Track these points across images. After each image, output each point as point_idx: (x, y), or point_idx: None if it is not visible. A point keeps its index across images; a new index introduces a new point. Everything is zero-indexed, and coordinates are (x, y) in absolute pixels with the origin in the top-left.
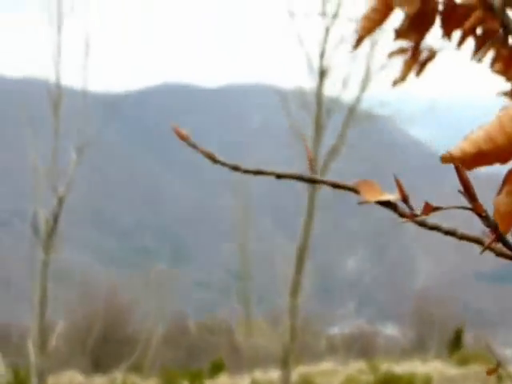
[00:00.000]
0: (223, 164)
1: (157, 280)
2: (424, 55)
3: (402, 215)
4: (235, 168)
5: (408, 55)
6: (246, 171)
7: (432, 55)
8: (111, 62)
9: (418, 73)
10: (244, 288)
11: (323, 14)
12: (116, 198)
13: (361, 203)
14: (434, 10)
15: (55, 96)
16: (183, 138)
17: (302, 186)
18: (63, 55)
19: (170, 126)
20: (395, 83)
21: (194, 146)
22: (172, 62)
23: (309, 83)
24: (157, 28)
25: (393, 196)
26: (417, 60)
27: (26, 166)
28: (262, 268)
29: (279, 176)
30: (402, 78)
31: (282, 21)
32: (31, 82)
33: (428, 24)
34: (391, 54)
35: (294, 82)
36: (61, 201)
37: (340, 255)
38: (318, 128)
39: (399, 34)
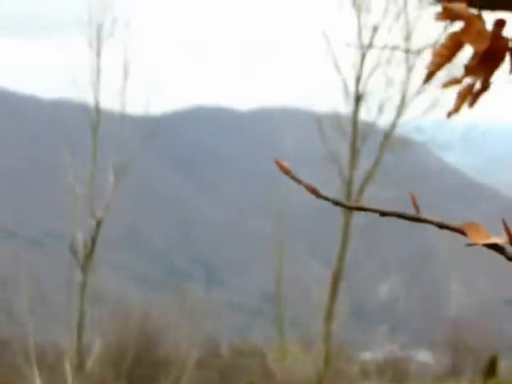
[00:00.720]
0: (326, 198)
1: (189, 302)
2: (477, 86)
3: (509, 258)
4: (337, 203)
5: (462, 86)
6: (349, 207)
7: (486, 86)
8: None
9: (472, 104)
10: (277, 312)
11: (359, 40)
12: (149, 220)
13: (468, 245)
14: (505, 48)
15: (94, 119)
16: (285, 170)
17: (336, 212)
18: (102, 78)
19: (274, 160)
20: (449, 115)
21: (296, 180)
22: (205, 85)
23: (344, 108)
24: (191, 51)
25: (500, 239)
26: (472, 92)
27: (58, 185)
28: (294, 292)
29: (383, 214)
30: (456, 109)
31: (317, 45)
32: (66, 103)
33: (498, 61)
34: (445, 85)
35: (328, 106)
36: (99, 223)
37: (373, 281)
38: (354, 152)
39: (469, 70)
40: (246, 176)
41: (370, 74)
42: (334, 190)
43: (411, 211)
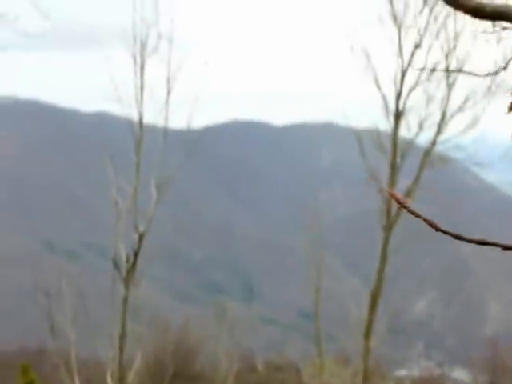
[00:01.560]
0: (445, 232)
1: (227, 316)
2: None
3: None
4: (458, 237)
5: None
6: (470, 241)
7: None
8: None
9: None
10: (316, 327)
11: (400, 57)
12: (186, 234)
13: None
14: None
15: (137, 134)
16: (401, 203)
17: (370, 228)
18: (145, 93)
19: (385, 191)
20: (509, 110)
21: (413, 213)
22: (242, 99)
23: (384, 124)
24: (228, 64)
25: None
26: None
27: (97, 198)
28: (330, 307)
29: (506, 248)
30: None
31: (357, 61)
32: (107, 116)
33: None
34: (510, 109)
35: (367, 122)
36: (141, 237)
37: (409, 297)
38: (394, 169)
39: None
40: (284, 191)
41: (410, 90)
42: (373, 205)
43: (449, 227)
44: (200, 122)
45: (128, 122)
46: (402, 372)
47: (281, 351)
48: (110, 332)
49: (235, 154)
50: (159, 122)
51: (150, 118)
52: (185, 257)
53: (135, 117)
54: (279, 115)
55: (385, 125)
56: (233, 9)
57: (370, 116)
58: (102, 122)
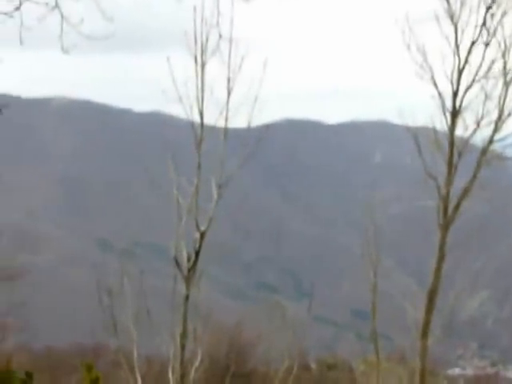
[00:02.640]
0: None
1: (278, 314)
2: None
3: None
4: None
5: None
6: None
7: None
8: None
9: None
10: (371, 326)
11: (457, 54)
12: (239, 232)
13: None
14: None
15: (198, 134)
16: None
17: (423, 226)
18: (205, 93)
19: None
20: None
21: None
22: (295, 97)
23: (440, 122)
24: (280, 62)
25: None
26: None
27: (151, 197)
28: (383, 306)
29: None
30: None
31: (413, 58)
32: (165, 116)
33: None
34: None
35: (423, 120)
36: (202, 236)
37: (462, 296)
38: (451, 168)
39: None
40: (336, 189)
41: (467, 88)
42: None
43: (505, 225)
44: (253, 121)
45: (187, 122)
46: (456, 371)
47: (333, 350)
48: (171, 330)
49: (288, 153)
50: (219, 121)
51: (210, 118)
52: (238, 255)
53: (195, 116)
54: (332, 113)
55: (441, 123)
56: (285, 8)
57: (425, 114)
58: (155, 121)
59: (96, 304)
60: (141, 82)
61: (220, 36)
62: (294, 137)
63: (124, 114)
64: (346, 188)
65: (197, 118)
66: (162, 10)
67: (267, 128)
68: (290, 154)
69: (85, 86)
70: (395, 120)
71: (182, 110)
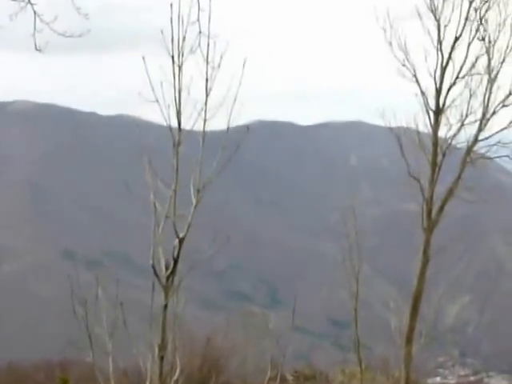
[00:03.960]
0: None
1: (252, 324)
2: None
3: None
4: None
5: None
6: None
7: None
8: (221, 100)
9: None
10: (354, 335)
11: (440, 50)
12: (211, 239)
13: None
14: None
15: (176, 137)
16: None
17: (401, 231)
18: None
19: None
20: None
21: None
22: (266, 98)
23: (422, 122)
24: (252, 62)
25: None
26: None
27: (116, 205)
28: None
29: None
30: None
31: (393, 56)
32: (124, 118)
33: None
34: None
35: (399, 120)
36: (181, 243)
37: (443, 301)
38: (434, 168)
39: None
40: (311, 193)
41: (451, 86)
42: (405, 206)
43: (486, 228)
44: (222, 123)
45: (156, 125)
46: (437, 380)
47: (310, 360)
48: (148, 341)
49: (259, 156)
50: (195, 123)
51: (187, 120)
52: (210, 263)
53: (171, 119)
54: (304, 114)
55: (424, 123)
56: (256, 5)
57: (407, 114)
58: (122, 124)
59: (62, 316)
60: (106, 84)
61: (200, 32)
62: (265, 139)
63: (89, 118)
64: (321, 192)
65: (174, 121)
66: (130, 7)
67: (247, 129)
68: (262, 157)
69: (48, 89)
70: (371, 121)
71: (153, 112)
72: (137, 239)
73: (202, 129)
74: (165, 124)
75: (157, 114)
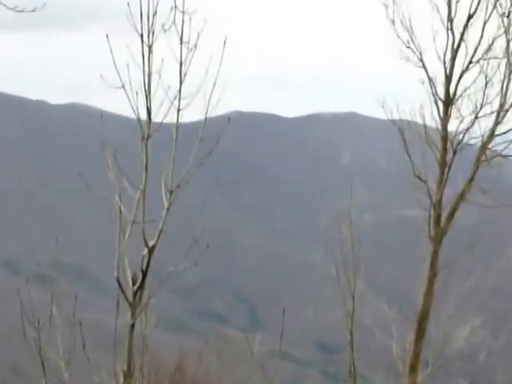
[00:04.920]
0: None
1: (227, 349)
2: None
3: None
4: None
5: None
6: None
7: None
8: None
9: None
10: (349, 361)
11: (450, 31)
12: (179, 249)
13: None
14: None
15: (144, 130)
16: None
17: (398, 244)
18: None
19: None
20: None
21: None
22: (244, 86)
23: (429, 113)
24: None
25: None
26: None
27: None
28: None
29: None
30: None
31: (396, 36)
32: (77, 108)
33: None
34: None
35: (403, 111)
36: (151, 252)
37: (449, 323)
38: (444, 167)
39: None
40: (297, 196)
41: (463, 71)
42: (406, 212)
43: (502, 237)
44: (198, 113)
45: (114, 116)
46: None
47: None
48: (110, 368)
49: (237, 152)
50: (168, 113)
51: (155, 109)
52: (178, 277)
53: (139, 108)
54: (289, 105)
55: (431, 115)
56: None
57: (408, 104)
58: (76, 114)
59: (2, 339)
60: (58, 68)
61: (174, 8)
62: (244, 133)
63: (38, 106)
64: (308, 195)
65: (142, 110)
66: None
67: (228, 120)
68: (240, 153)
69: None
70: (367, 112)
71: (115, 100)
72: (93, 249)
73: (175, 120)
74: (131, 115)
75: (120, 103)
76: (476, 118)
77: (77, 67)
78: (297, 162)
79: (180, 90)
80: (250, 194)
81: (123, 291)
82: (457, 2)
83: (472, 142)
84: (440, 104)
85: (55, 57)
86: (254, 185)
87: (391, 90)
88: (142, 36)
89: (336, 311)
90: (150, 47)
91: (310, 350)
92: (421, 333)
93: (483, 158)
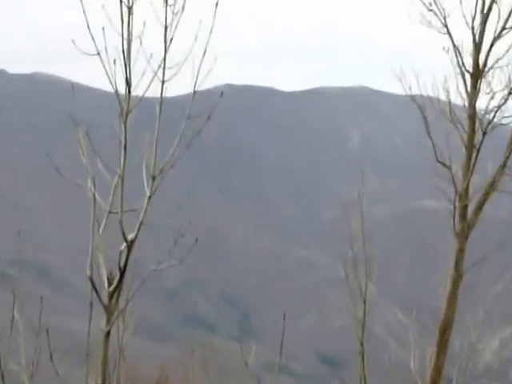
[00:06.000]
0: None
1: (215, 360)
2: None
3: None
4: None
5: None
6: None
7: None
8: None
9: None
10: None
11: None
12: (160, 247)
13: None
14: None
15: (123, 105)
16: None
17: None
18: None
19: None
20: None
21: None
22: (238, 56)
23: (455, 87)
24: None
25: None
26: None
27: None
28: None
29: None
30: None
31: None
32: (40, 77)
33: None
34: None
35: (425, 85)
36: (130, 247)
37: (476, 333)
38: (471, 151)
39: None
40: (296, 184)
41: (495, 39)
42: (423, 203)
43: None
44: (184, 86)
45: (83, 87)
46: None
47: None
48: (81, 381)
49: (228, 133)
50: (150, 85)
51: (135, 81)
52: (158, 279)
53: (116, 79)
54: (288, 78)
55: (455, 89)
56: None
57: (430, 76)
58: (38, 85)
59: None
60: (17, 32)
61: None
62: (236, 110)
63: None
64: (310, 182)
65: (121, 82)
66: None
67: (221, 94)
68: (232, 134)
69: None
70: (379, 86)
71: (87, 70)
72: (61, 244)
73: (158, 93)
74: (107, 87)
75: (94, 74)
76: (510, 93)
77: (40, 31)
78: (297, 145)
79: (165, 59)
80: (242, 182)
81: (97, 292)
82: None
83: (504, 121)
84: (467, 77)
85: (13, 20)
86: (247, 172)
87: (410, 60)
88: None
89: (341, 318)
90: (129, 8)
91: (311, 363)
92: (443, 345)
93: None
